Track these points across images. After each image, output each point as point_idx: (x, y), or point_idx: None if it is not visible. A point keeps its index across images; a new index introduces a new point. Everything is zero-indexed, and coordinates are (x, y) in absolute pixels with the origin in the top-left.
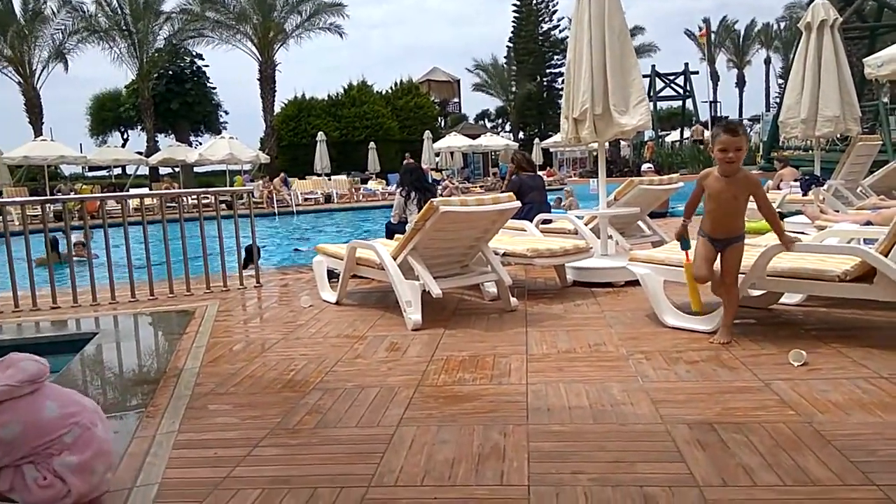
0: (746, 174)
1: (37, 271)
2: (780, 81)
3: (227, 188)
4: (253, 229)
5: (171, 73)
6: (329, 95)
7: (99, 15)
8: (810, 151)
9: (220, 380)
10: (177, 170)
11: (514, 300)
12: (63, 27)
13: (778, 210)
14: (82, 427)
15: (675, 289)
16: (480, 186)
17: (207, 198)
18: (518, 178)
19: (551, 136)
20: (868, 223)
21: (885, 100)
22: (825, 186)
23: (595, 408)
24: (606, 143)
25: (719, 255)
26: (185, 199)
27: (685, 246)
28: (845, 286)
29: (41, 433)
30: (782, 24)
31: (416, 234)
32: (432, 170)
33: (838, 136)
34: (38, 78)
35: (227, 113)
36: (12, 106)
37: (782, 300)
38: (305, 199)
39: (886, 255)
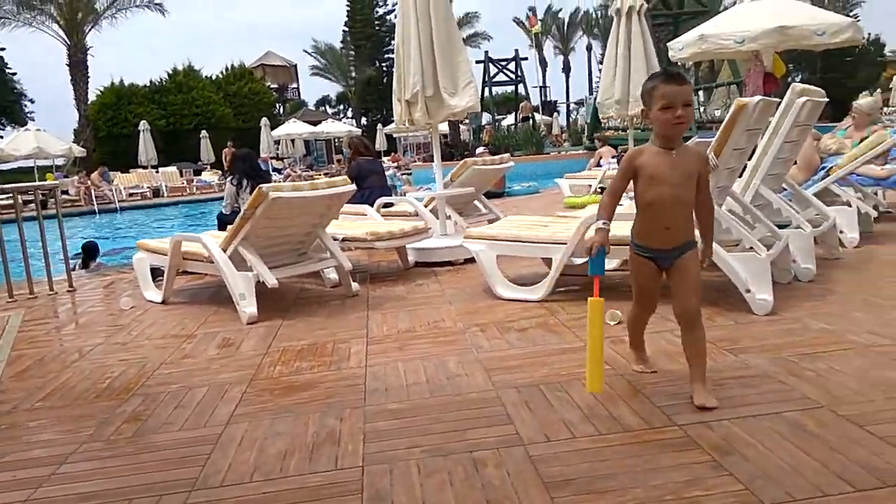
0: (694, 145)
1: None
2: (601, 66)
3: (27, 184)
4: (62, 230)
5: None
6: (151, 81)
7: None
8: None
9: (25, 395)
10: None
11: (355, 285)
12: None
13: (599, 185)
14: None
15: (512, 262)
16: (325, 174)
17: (10, 197)
18: (356, 163)
19: (393, 121)
20: None
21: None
22: None
23: (432, 382)
24: (447, 128)
25: (664, 275)
26: None
27: (597, 269)
28: None
29: None
30: (601, 12)
31: (247, 223)
32: (272, 158)
33: None
34: None
35: (32, 102)
36: None
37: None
38: (130, 195)
39: None
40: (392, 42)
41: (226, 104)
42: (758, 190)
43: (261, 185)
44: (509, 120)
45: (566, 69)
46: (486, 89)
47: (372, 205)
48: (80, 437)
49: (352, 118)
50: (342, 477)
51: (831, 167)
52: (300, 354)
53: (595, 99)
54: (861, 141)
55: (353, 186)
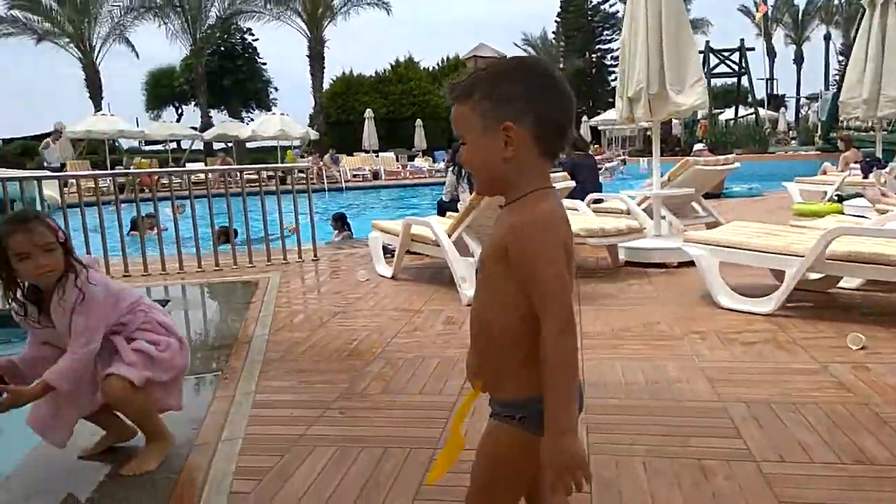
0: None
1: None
2: (841, 58)
3: (292, 164)
4: (311, 204)
5: (223, 49)
6: (376, 72)
7: None
8: (870, 132)
9: (288, 346)
10: (229, 145)
11: None
12: (120, 3)
13: (836, 193)
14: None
15: (729, 270)
16: None
17: (263, 173)
18: (570, 158)
19: (600, 113)
20: None
21: None
22: (887, 169)
23: (651, 385)
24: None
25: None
26: (240, 174)
27: None
28: None
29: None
30: (843, 0)
31: (472, 213)
32: None
33: None
34: (98, 54)
35: (276, 90)
36: (73, 81)
37: (840, 283)
38: (354, 176)
39: None
40: (604, 33)
41: (439, 94)
42: None
43: None
44: (727, 114)
45: (798, 60)
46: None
47: (583, 200)
48: (337, 388)
49: None
50: None
51: None
52: None
53: (834, 95)
54: None
55: (572, 183)
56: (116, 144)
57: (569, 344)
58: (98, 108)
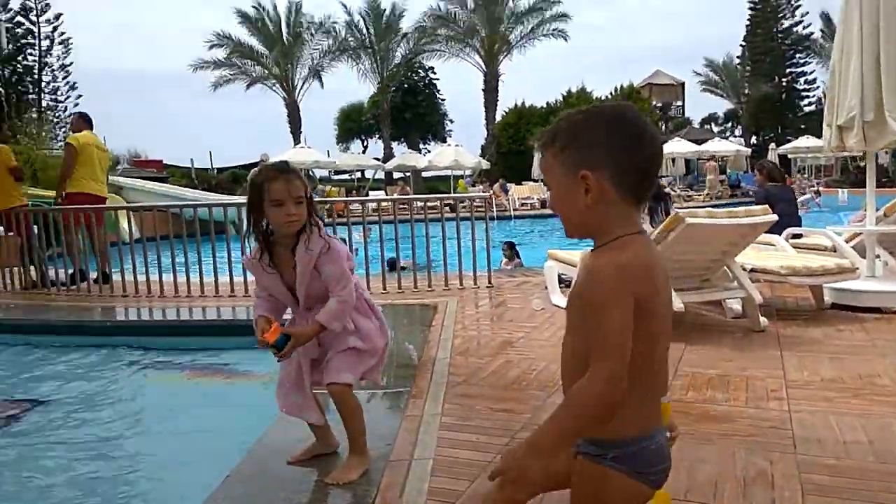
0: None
1: None
2: None
3: (471, 194)
4: (488, 231)
5: (406, 86)
6: (547, 103)
7: (348, 37)
8: None
9: (470, 371)
10: (407, 174)
11: (763, 319)
12: (319, 48)
13: None
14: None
15: None
16: (707, 194)
17: (437, 201)
18: (765, 189)
19: (790, 140)
20: None
21: None
22: None
23: (876, 445)
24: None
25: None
26: (424, 202)
27: None
28: None
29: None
30: None
31: (658, 246)
32: None
33: None
34: (298, 92)
35: (451, 122)
36: (276, 117)
37: None
38: (522, 204)
39: None
40: (796, 56)
41: None
42: None
43: (677, 211)
44: None
45: None
46: None
47: (780, 234)
48: (520, 417)
49: (740, 137)
50: None
51: None
52: (711, 383)
53: None
54: None
55: (774, 217)
56: (311, 174)
57: (603, 395)
58: (297, 141)
